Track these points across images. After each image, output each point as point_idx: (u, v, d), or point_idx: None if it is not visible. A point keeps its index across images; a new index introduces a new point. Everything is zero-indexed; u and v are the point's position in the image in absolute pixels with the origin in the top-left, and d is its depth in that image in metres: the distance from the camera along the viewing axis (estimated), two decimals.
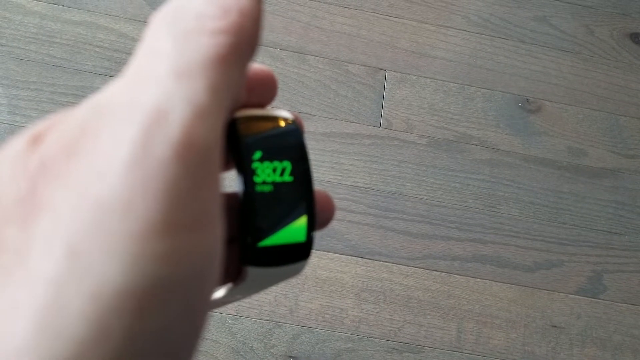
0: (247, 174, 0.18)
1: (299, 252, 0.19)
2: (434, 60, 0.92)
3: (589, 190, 0.86)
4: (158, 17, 0.15)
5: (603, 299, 0.79)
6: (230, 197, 0.20)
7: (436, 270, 0.78)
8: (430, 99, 0.89)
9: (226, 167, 0.20)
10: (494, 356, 0.75)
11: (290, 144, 0.19)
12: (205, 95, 0.14)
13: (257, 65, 0.19)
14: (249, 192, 0.17)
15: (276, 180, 0.18)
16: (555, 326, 0.77)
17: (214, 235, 0.14)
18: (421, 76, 0.90)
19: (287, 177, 0.18)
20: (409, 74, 0.90)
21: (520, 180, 0.85)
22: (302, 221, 0.18)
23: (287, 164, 0.18)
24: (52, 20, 0.85)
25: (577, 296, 0.79)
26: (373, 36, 0.92)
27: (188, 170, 0.13)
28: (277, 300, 0.75)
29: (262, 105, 0.20)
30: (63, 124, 0.14)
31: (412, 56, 0.92)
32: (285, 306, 0.75)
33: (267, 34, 0.89)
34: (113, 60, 0.84)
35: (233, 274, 0.20)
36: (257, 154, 0.18)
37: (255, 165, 0.18)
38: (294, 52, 0.89)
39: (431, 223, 0.81)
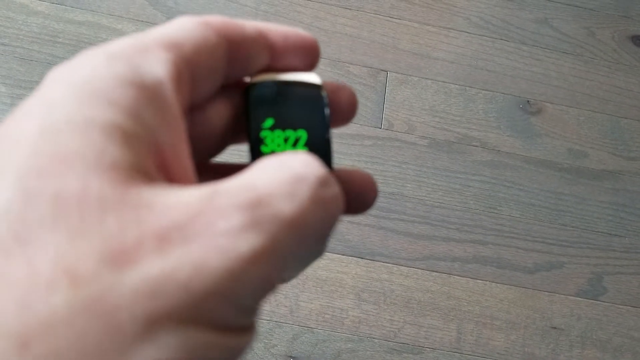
0: (254, 143, 0.16)
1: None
2: (435, 61, 0.92)
3: (590, 192, 0.86)
4: None
5: (603, 301, 0.79)
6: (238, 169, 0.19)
7: (436, 271, 0.79)
8: (432, 101, 0.89)
9: (237, 137, 0.19)
10: (494, 357, 0.75)
11: (308, 112, 0.17)
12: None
13: (296, 30, 0.18)
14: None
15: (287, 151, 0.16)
16: (555, 328, 0.77)
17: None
18: (422, 77, 0.91)
19: (301, 148, 0.16)
20: (410, 75, 0.90)
21: (521, 182, 0.85)
22: None
23: (303, 133, 0.17)
24: (55, 20, 0.86)
25: (577, 298, 0.79)
26: (374, 37, 0.92)
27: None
28: (277, 300, 0.75)
29: (294, 70, 0.18)
30: None
31: (413, 57, 0.92)
32: (286, 306, 0.75)
33: None
34: None
35: None
36: (268, 122, 0.16)
37: (265, 133, 0.16)
38: None
39: (431, 224, 0.81)
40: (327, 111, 0.17)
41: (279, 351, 0.72)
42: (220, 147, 0.19)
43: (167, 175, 0.14)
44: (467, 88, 0.91)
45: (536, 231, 0.83)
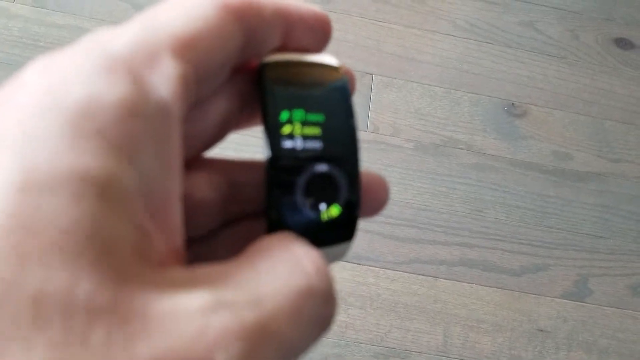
0: (272, 129, 0.15)
1: (337, 232, 0.16)
2: (420, 64, 0.92)
3: (575, 194, 0.86)
4: None
5: (589, 303, 0.80)
6: (258, 165, 0.18)
7: (423, 275, 0.78)
8: (417, 104, 0.89)
9: (249, 121, 0.18)
10: None
11: (330, 95, 0.16)
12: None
13: (306, 5, 0.17)
14: (274, 152, 0.15)
15: (309, 136, 0.15)
16: (542, 330, 0.77)
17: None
18: (408, 80, 0.90)
19: (322, 134, 0.15)
20: (395, 78, 0.90)
21: (507, 185, 0.86)
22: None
23: (325, 118, 0.15)
24: (36, 23, 0.85)
25: (563, 300, 0.79)
26: (360, 40, 0.92)
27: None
28: None
29: (307, 51, 0.17)
30: None
31: (398, 60, 0.92)
32: None
33: None
34: None
35: None
36: (288, 106, 0.15)
37: (284, 117, 0.15)
38: None
39: (418, 227, 0.81)
40: (349, 95, 0.16)
41: None
42: (218, 139, 0.17)
43: (153, 222, 0.12)
44: (453, 91, 0.91)
45: (522, 233, 0.83)
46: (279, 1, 0.16)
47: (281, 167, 0.15)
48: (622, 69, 0.97)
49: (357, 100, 0.87)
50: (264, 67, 0.16)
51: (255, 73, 0.17)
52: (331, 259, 0.16)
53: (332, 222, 0.15)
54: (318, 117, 0.15)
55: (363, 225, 0.80)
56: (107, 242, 0.10)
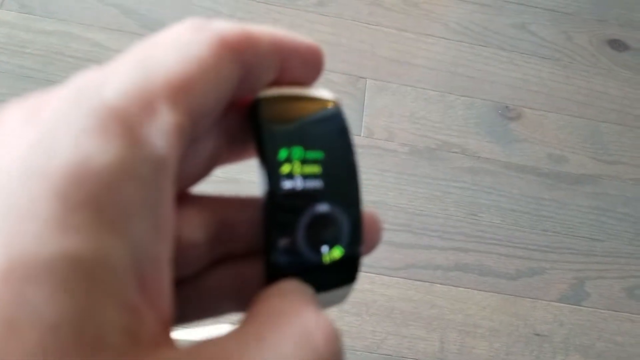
0: (271, 168, 0.14)
1: (339, 275, 0.15)
2: (414, 68, 0.91)
3: (570, 196, 0.86)
4: None
5: (585, 306, 0.79)
6: (250, 203, 0.17)
7: (419, 280, 0.78)
8: (411, 107, 0.88)
9: (239, 156, 0.17)
10: None
11: (328, 131, 0.15)
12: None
13: (300, 37, 0.16)
14: (274, 193, 0.14)
15: (309, 174, 0.15)
16: (539, 334, 0.77)
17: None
18: (402, 84, 0.90)
19: (322, 171, 0.15)
20: (389, 82, 0.90)
21: (502, 188, 0.85)
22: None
23: (324, 155, 0.15)
24: (23, 30, 0.84)
25: (559, 304, 0.79)
26: (353, 44, 0.91)
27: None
28: None
29: (299, 84, 0.16)
30: None
31: (392, 64, 0.91)
32: None
33: None
34: None
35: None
36: (285, 143, 0.14)
37: (282, 155, 0.14)
38: None
39: (413, 232, 0.80)
40: (348, 130, 0.15)
41: None
42: (205, 174, 0.17)
43: (144, 295, 0.11)
44: (447, 94, 0.91)
45: (517, 237, 0.82)
46: (274, 34, 0.15)
47: (281, 208, 0.14)
48: (616, 70, 0.97)
49: (351, 105, 0.87)
50: (258, 103, 0.15)
51: (248, 108, 0.16)
52: (331, 303, 0.16)
53: (335, 264, 0.15)
54: (317, 155, 0.15)
55: None
56: (97, 334, 0.10)
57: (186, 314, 0.16)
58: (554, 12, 1.00)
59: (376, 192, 0.82)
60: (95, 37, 0.85)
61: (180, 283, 0.16)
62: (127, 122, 0.11)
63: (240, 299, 0.17)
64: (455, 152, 0.86)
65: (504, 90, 0.92)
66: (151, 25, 0.87)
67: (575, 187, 0.87)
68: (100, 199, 0.10)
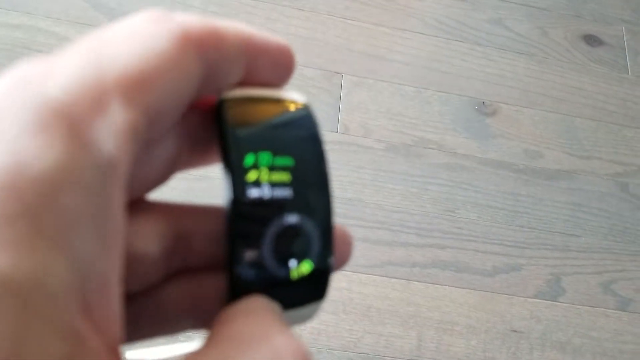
0: (236, 174, 0.13)
1: (308, 291, 0.14)
2: (390, 63, 0.91)
3: (546, 192, 0.86)
4: None
5: (562, 302, 0.79)
6: (210, 212, 0.16)
7: (395, 278, 0.77)
8: (388, 103, 0.88)
9: (200, 161, 0.16)
10: None
11: (298, 135, 0.14)
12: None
13: (270, 36, 0.15)
14: (239, 202, 0.13)
15: (277, 182, 0.13)
16: (516, 331, 0.77)
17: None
18: (378, 80, 0.89)
19: (290, 178, 0.14)
20: (365, 77, 0.89)
21: (478, 184, 0.85)
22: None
23: (293, 161, 0.14)
24: None
25: (536, 300, 0.79)
26: (329, 39, 0.90)
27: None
28: None
29: (268, 85, 0.15)
30: None
31: (368, 59, 0.90)
32: None
33: None
34: None
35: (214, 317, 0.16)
36: (252, 148, 0.13)
37: (249, 161, 0.13)
38: None
39: (390, 229, 0.80)
40: (319, 135, 0.14)
41: None
42: (163, 180, 0.15)
43: (88, 319, 0.10)
44: (423, 90, 0.90)
45: (494, 233, 0.82)
46: (241, 30, 0.14)
47: (246, 218, 0.13)
48: (590, 65, 0.97)
49: (327, 100, 0.86)
50: (223, 104, 0.14)
51: (211, 109, 0.15)
52: (299, 320, 0.15)
53: (303, 280, 0.14)
54: (287, 161, 0.14)
55: None
56: None
57: (139, 331, 0.15)
58: (529, 7, 1.00)
59: (352, 189, 0.81)
60: (63, 31, 0.82)
61: (132, 297, 0.15)
62: (71, 120, 0.10)
63: (198, 315, 0.16)
64: (432, 149, 0.86)
65: (480, 86, 0.92)
66: (120, 18, 0.85)
67: (551, 183, 0.87)
68: (38, 209, 0.09)
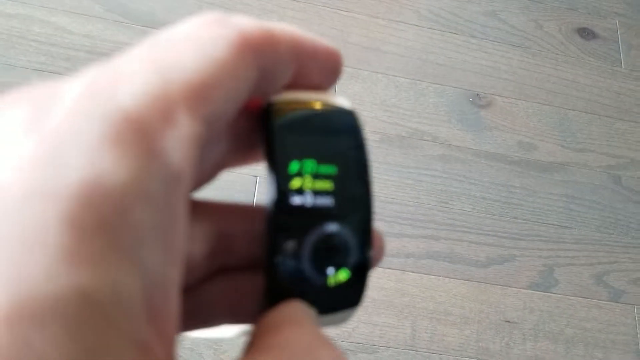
0: (280, 181, 0.13)
1: (343, 298, 0.14)
2: (385, 55, 0.91)
3: (540, 184, 0.87)
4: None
5: (555, 293, 0.80)
6: (251, 213, 0.16)
7: (390, 268, 0.77)
8: (382, 95, 0.88)
9: (246, 160, 0.16)
10: (449, 354, 0.74)
11: (344, 143, 0.14)
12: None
13: (319, 40, 0.15)
14: (280, 209, 0.13)
15: (320, 191, 0.14)
16: (509, 321, 0.77)
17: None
18: (373, 71, 0.89)
19: (333, 187, 0.14)
20: (360, 69, 0.89)
21: (472, 176, 0.85)
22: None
23: (337, 170, 0.14)
24: None
25: (529, 291, 0.79)
26: (324, 30, 0.90)
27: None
28: None
29: (315, 88, 0.15)
30: None
31: (363, 51, 0.90)
32: None
33: None
34: (49, 55, 0.80)
35: (251, 314, 0.15)
36: (297, 155, 0.13)
37: (293, 168, 0.13)
38: None
39: (385, 220, 0.80)
40: (364, 144, 0.14)
41: (229, 357, 0.70)
42: (210, 178, 0.16)
43: (154, 327, 0.10)
44: (417, 82, 0.90)
45: (488, 225, 0.82)
46: (294, 34, 0.14)
47: (287, 225, 0.13)
48: (585, 58, 0.97)
49: None
50: (271, 108, 0.14)
51: (258, 111, 0.15)
52: (333, 324, 0.15)
53: (339, 287, 0.14)
54: (330, 169, 0.14)
55: None
56: None
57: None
58: (524, 0, 1.00)
59: None
60: (58, 20, 0.82)
61: None
62: (143, 133, 0.10)
63: (235, 313, 0.16)
64: (427, 140, 0.86)
65: (475, 78, 0.92)
66: (116, 8, 0.84)
67: (545, 175, 0.87)
68: (112, 225, 0.09)
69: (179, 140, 0.11)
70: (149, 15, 0.85)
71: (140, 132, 0.10)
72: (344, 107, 0.15)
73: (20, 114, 0.10)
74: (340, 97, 0.15)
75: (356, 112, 0.15)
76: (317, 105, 0.15)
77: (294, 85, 0.15)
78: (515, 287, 0.79)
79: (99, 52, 0.82)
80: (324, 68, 0.15)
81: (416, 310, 0.76)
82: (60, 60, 0.80)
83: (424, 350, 0.74)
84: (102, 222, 0.09)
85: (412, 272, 0.78)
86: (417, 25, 0.94)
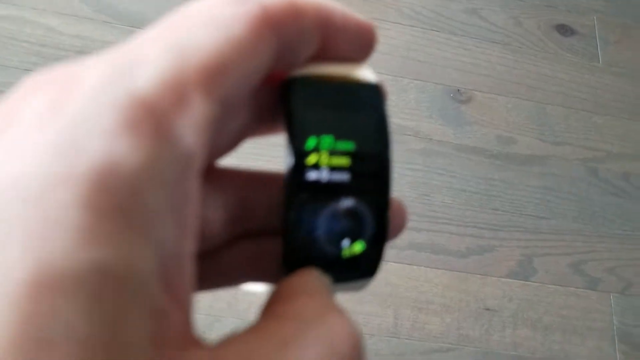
0: (297, 155, 0.13)
1: (358, 269, 0.15)
2: None
3: (519, 177, 0.88)
4: None
5: (533, 282, 0.82)
6: (272, 181, 0.16)
7: None
8: None
9: (268, 131, 0.16)
10: (430, 341, 0.76)
11: (365, 119, 0.14)
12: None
13: (350, 13, 0.14)
14: (296, 184, 0.13)
15: (336, 167, 0.14)
16: (489, 309, 0.79)
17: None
18: None
19: (350, 164, 0.14)
20: None
21: (453, 169, 0.87)
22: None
23: (356, 147, 0.14)
24: None
25: (508, 279, 0.81)
26: None
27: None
28: (215, 294, 0.74)
29: (347, 60, 0.15)
30: None
31: None
32: (224, 300, 0.74)
33: None
34: (40, 56, 0.82)
35: (272, 275, 0.16)
36: (316, 131, 0.13)
37: (311, 144, 0.13)
38: None
39: None
40: (386, 119, 0.14)
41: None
42: (231, 148, 0.16)
43: (169, 295, 0.11)
44: (400, 78, 0.92)
45: (468, 216, 0.84)
46: (320, 7, 0.14)
47: (303, 199, 0.14)
48: (563, 54, 0.99)
49: None
50: (292, 83, 0.14)
51: (280, 84, 0.15)
52: (349, 290, 0.16)
53: (354, 259, 0.14)
54: (348, 146, 0.14)
55: None
56: (125, 347, 0.10)
57: (199, 286, 0.15)
58: None
59: None
60: (49, 22, 0.84)
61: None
62: (157, 116, 0.10)
63: (256, 274, 0.17)
64: (409, 135, 0.88)
65: (456, 74, 0.94)
66: (105, 9, 0.86)
67: (524, 168, 0.89)
68: (128, 206, 0.10)
69: (193, 123, 0.11)
70: (138, 15, 0.87)
71: (154, 118, 0.10)
72: (367, 81, 0.15)
73: (42, 99, 0.11)
74: (366, 70, 0.15)
75: (381, 86, 0.15)
76: (340, 80, 0.14)
77: (323, 56, 0.14)
78: (494, 277, 0.81)
79: (89, 53, 0.84)
80: (354, 42, 0.14)
81: (399, 299, 0.78)
82: (51, 60, 0.82)
83: (406, 337, 0.76)
84: (118, 204, 0.10)
85: (395, 262, 0.80)
86: (399, 24, 0.96)
